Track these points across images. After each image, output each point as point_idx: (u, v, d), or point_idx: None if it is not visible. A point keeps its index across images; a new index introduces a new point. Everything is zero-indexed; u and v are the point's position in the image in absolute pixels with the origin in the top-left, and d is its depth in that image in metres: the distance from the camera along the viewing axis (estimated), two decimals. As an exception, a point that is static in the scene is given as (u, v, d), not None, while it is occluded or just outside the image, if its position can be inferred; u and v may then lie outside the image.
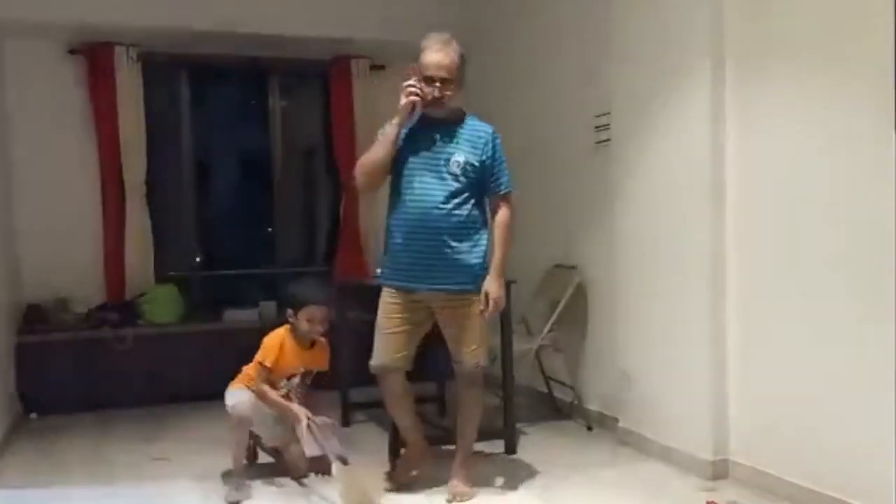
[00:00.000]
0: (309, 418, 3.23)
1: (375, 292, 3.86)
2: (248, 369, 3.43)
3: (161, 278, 5.45)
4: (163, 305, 5.25)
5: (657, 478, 3.40)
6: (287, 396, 3.39)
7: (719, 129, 3.33)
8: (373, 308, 3.78)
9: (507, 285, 3.80)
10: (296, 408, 3.29)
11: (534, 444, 3.97)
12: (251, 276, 5.98)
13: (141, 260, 5.36)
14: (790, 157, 3.05)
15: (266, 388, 3.32)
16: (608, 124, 4.10)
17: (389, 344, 3.16)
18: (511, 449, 3.80)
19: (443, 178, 3.08)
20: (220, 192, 6.31)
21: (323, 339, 3.48)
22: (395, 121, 3.10)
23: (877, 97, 2.63)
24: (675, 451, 3.53)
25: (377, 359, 3.19)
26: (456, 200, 3.09)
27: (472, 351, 3.16)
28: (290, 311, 3.42)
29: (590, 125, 4.29)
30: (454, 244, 3.08)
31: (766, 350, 3.18)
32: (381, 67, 5.84)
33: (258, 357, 3.36)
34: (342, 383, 4.34)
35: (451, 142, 3.15)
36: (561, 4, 4.61)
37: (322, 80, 5.89)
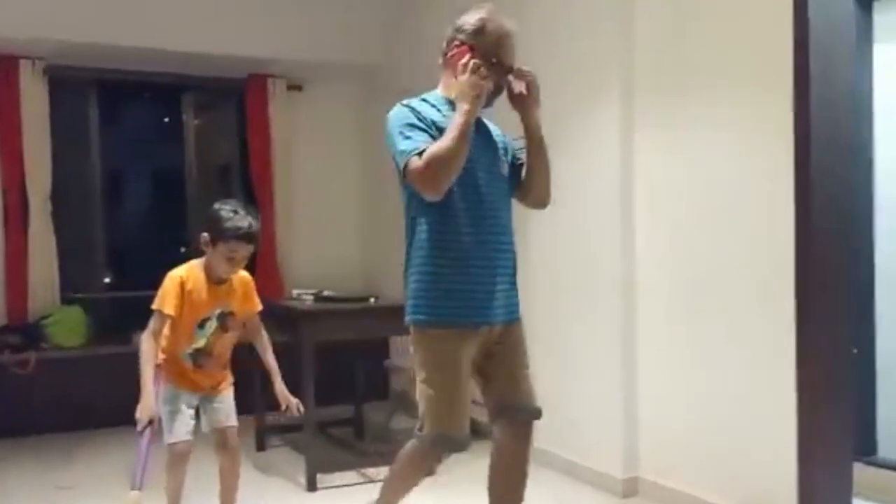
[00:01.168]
0: (151, 422, 2.63)
1: (293, 314, 3.83)
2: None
3: (67, 299, 5.24)
4: (68, 328, 5.04)
5: (571, 496, 3.47)
6: (208, 353, 2.79)
7: (628, 151, 3.45)
8: (289, 329, 3.75)
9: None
10: (150, 402, 2.61)
11: (451, 466, 3.96)
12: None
13: (45, 280, 5.14)
14: (690, 179, 3.19)
15: (148, 359, 2.64)
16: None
17: (465, 405, 2.38)
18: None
19: (500, 185, 2.47)
20: (131, 211, 6.14)
21: (244, 274, 2.89)
22: (466, 107, 2.24)
23: (774, 123, 2.79)
24: (588, 469, 3.61)
25: (460, 428, 2.37)
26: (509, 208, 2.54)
27: (530, 387, 2.52)
28: (205, 237, 2.73)
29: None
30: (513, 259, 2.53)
31: (674, 369, 3.30)
32: (299, 88, 5.83)
33: (155, 304, 2.70)
34: (258, 407, 4.26)
35: (490, 140, 2.53)
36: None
37: (238, 99, 5.81)
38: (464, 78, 2.26)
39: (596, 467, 3.56)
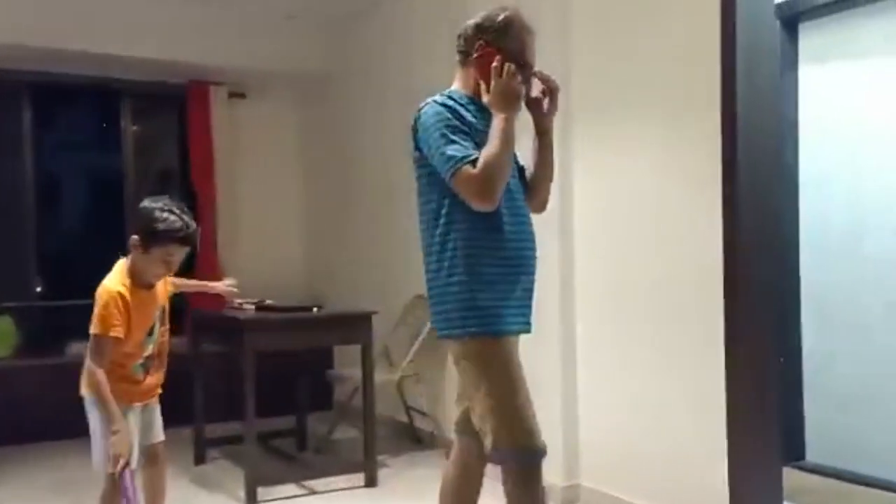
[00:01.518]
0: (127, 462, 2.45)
1: (234, 323, 3.78)
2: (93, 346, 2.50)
3: (-5, 309, 5.07)
4: (-3, 338, 4.87)
5: (513, 505, 3.50)
6: (156, 355, 2.63)
7: (567, 169, 3.51)
8: (230, 339, 3.70)
9: (369, 317, 3.84)
10: (125, 435, 2.45)
11: (395, 476, 3.98)
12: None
13: (-28, 289, 4.97)
14: (625, 196, 3.28)
15: (108, 390, 2.43)
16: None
17: (533, 412, 2.24)
18: (372, 482, 3.79)
19: (521, 190, 2.38)
20: (66, 218, 5.96)
21: None
22: (506, 115, 2.16)
23: (703, 144, 2.88)
24: (530, 477, 3.65)
25: (539, 435, 2.23)
26: None
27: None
28: (135, 240, 2.48)
29: (450, 160, 4.40)
30: None
31: (611, 378, 3.37)
32: (242, 96, 5.78)
33: (97, 329, 2.43)
34: (196, 418, 4.18)
35: None
36: (428, 37, 4.71)
37: (179, 105, 5.72)
38: (499, 83, 2.18)
39: (537, 475, 3.60)
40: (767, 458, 2.87)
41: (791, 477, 3.25)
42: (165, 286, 2.72)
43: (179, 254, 2.52)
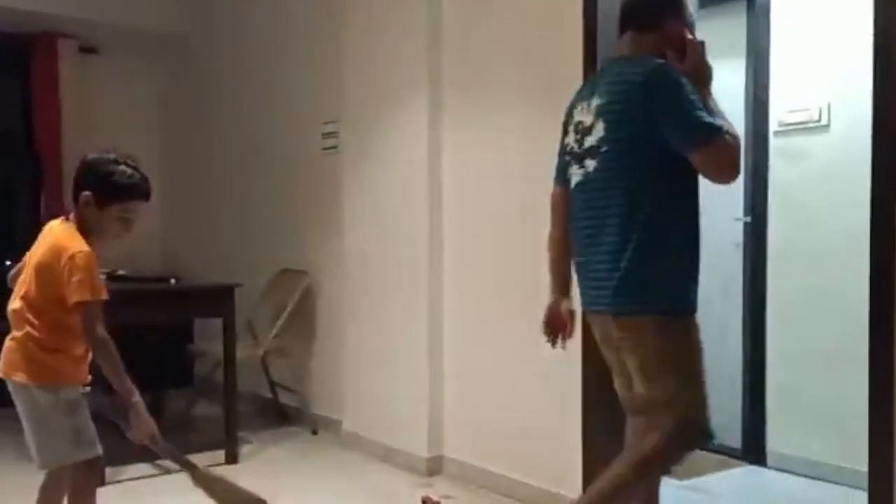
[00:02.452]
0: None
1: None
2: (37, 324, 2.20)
3: None
4: None
5: (378, 477, 3.51)
6: None
7: (436, 147, 3.52)
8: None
9: (231, 289, 3.70)
10: (147, 417, 2.26)
11: (257, 453, 3.89)
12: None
13: None
14: (489, 177, 3.33)
15: (120, 364, 2.21)
16: (336, 132, 4.16)
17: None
18: (233, 459, 3.68)
19: None
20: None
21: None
22: (707, 90, 2.13)
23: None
24: (395, 450, 3.67)
25: (710, 419, 2.12)
26: None
27: None
28: (87, 196, 2.22)
29: (318, 131, 4.31)
30: None
31: (472, 356, 3.43)
32: (94, 51, 5.39)
33: (86, 296, 2.14)
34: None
35: None
36: (296, 5, 4.56)
37: (22, 57, 5.26)
38: (698, 58, 2.11)
39: (403, 448, 3.63)
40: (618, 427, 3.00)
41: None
42: None
43: (138, 210, 2.28)
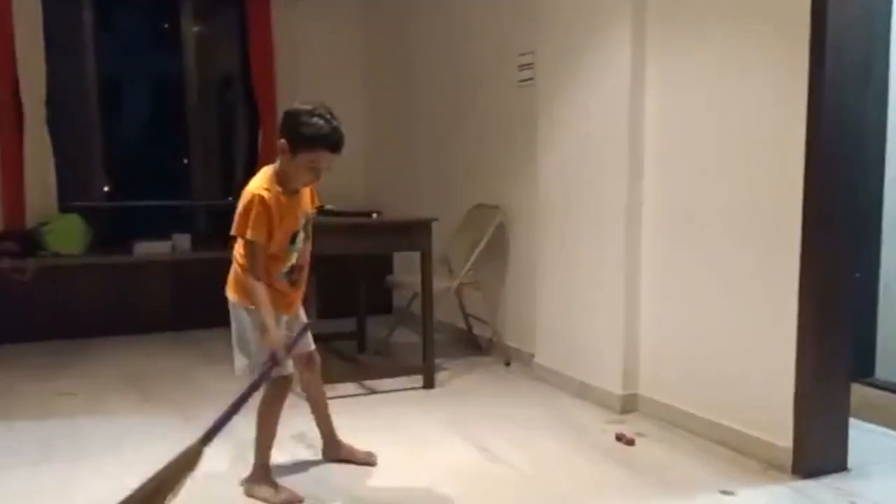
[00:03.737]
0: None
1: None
2: (239, 253, 2.46)
3: (65, 207, 5.19)
4: (66, 235, 5.00)
5: (570, 411, 3.51)
6: (300, 267, 2.55)
7: (639, 78, 3.35)
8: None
9: (429, 223, 3.80)
10: (276, 334, 2.40)
11: (452, 380, 4.03)
12: (163, 208, 5.77)
13: (42, 187, 5.09)
14: (702, 109, 3.11)
15: (257, 286, 2.38)
16: (532, 63, 4.09)
17: None
18: (430, 384, 3.84)
19: None
20: (129, 119, 6.02)
21: None
22: None
23: (782, 60, 2.71)
24: (587, 385, 3.65)
25: None
26: None
27: None
28: (282, 144, 2.39)
29: (514, 64, 4.26)
30: None
31: (674, 290, 3.28)
32: (303, -6, 5.66)
33: (234, 230, 2.38)
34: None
35: None
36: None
37: (239, 5, 5.63)
38: None
39: (595, 383, 3.60)
40: (836, 373, 2.79)
41: (859, 393, 3.16)
42: (312, 196, 2.63)
43: (327, 160, 2.39)
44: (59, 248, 4.94)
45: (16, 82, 4.96)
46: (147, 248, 5.08)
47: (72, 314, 4.87)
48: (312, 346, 2.77)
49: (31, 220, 5.04)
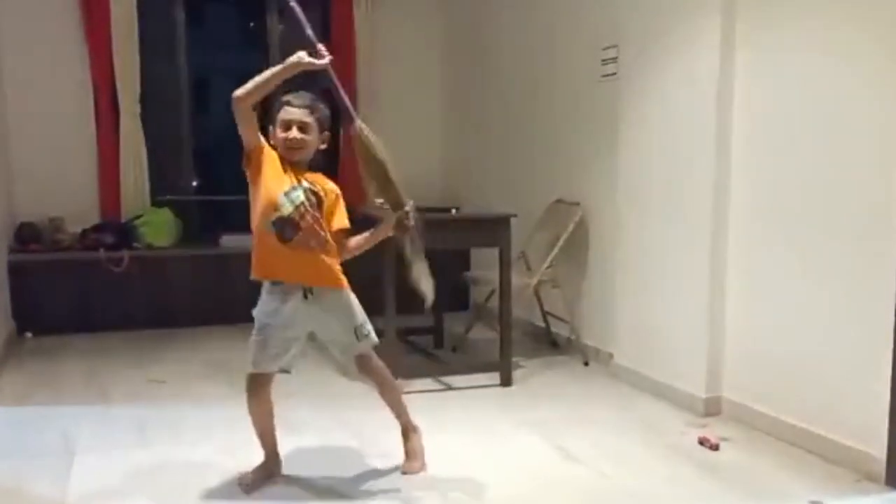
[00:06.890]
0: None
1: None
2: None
3: (157, 201, 5.41)
4: (159, 228, 5.21)
5: (650, 413, 3.44)
6: (295, 224, 2.58)
7: (728, 70, 3.25)
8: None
9: (507, 220, 3.78)
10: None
11: (530, 378, 4.00)
12: (249, 202, 5.92)
13: (136, 181, 5.31)
14: (794, 101, 2.98)
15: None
16: (615, 57, 4.01)
17: None
18: (507, 381, 3.82)
19: None
20: (216, 116, 6.20)
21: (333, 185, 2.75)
22: None
23: (880, 46, 2.58)
24: (669, 387, 3.56)
25: None
26: None
27: None
28: (270, 128, 2.71)
29: (596, 58, 4.19)
30: None
31: (763, 288, 3.17)
32: (384, -8, 5.72)
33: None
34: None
35: None
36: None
37: (323, 5, 5.73)
38: None
39: (677, 385, 3.51)
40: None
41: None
42: (332, 215, 2.69)
43: (291, 114, 2.67)
44: (151, 241, 5.15)
45: (113, 87, 5.18)
46: (233, 241, 5.22)
47: (163, 304, 5.06)
48: (359, 351, 2.73)
49: (125, 214, 5.26)
